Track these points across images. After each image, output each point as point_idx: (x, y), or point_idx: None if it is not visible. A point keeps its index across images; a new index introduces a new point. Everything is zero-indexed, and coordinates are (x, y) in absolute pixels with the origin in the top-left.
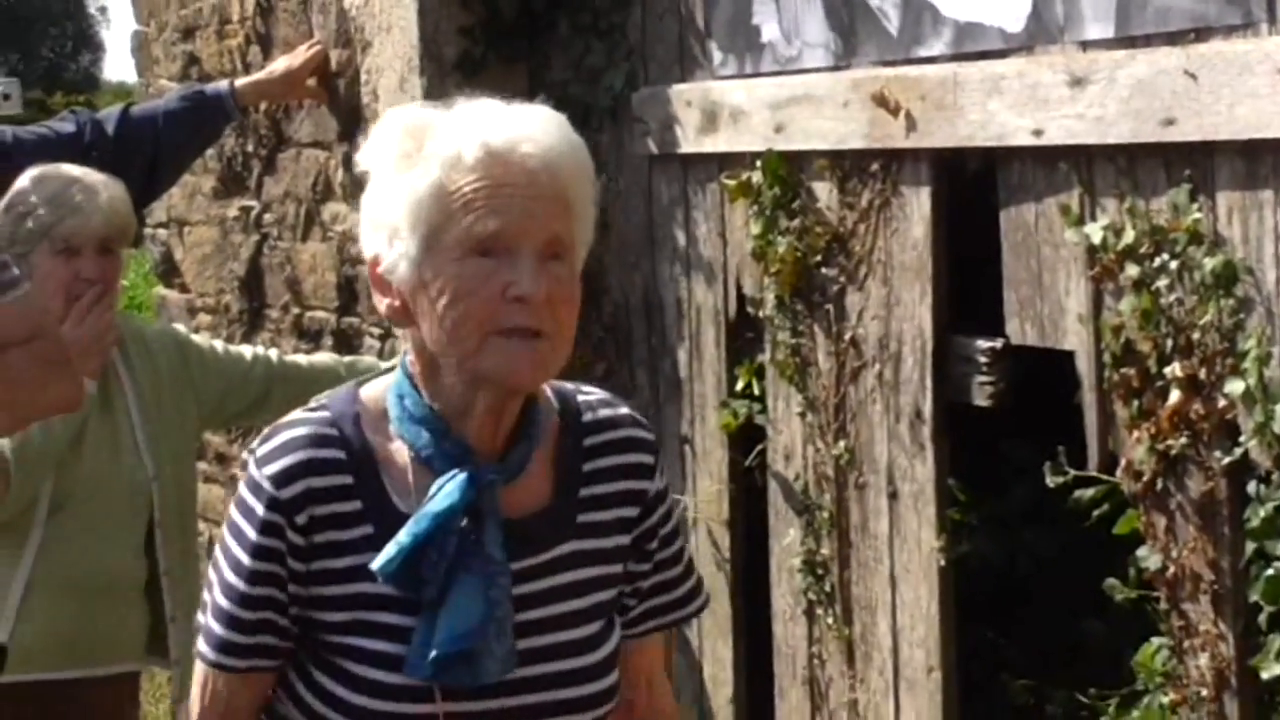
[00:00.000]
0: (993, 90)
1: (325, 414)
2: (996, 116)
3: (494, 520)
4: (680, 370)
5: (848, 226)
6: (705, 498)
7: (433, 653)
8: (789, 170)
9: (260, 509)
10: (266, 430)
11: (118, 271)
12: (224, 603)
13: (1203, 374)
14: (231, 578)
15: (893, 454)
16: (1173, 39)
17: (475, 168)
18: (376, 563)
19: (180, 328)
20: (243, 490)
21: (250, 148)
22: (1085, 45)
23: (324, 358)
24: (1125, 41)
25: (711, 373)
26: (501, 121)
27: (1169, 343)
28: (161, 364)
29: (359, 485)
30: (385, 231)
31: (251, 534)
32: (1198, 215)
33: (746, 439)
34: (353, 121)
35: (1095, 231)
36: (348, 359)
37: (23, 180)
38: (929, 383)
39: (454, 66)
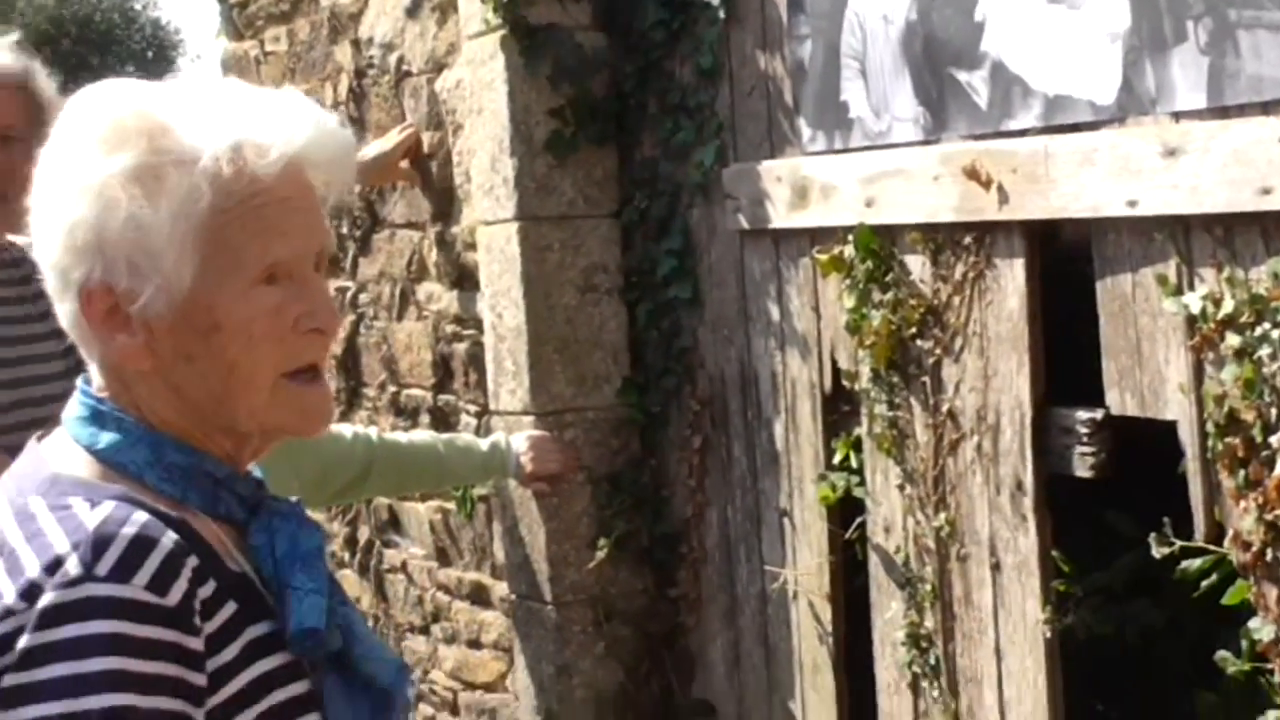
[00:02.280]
0: (1085, 162)
1: (111, 497)
2: (1089, 188)
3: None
4: (777, 444)
5: (942, 299)
6: (805, 571)
7: (378, 693)
8: (881, 244)
9: (148, 631)
10: (66, 549)
11: None
12: None
13: None
14: None
15: (994, 526)
16: (1266, 108)
17: (259, 182)
18: (309, 620)
19: None
20: (101, 628)
21: (345, 230)
22: (1178, 116)
23: (422, 435)
24: (1218, 111)
25: (809, 446)
26: (276, 118)
27: (1273, 412)
28: None
29: (204, 562)
30: (122, 258)
31: (138, 667)
32: None
33: (846, 512)
34: (446, 202)
35: (1194, 301)
36: (445, 436)
37: None
38: (1029, 454)
39: (544, 147)
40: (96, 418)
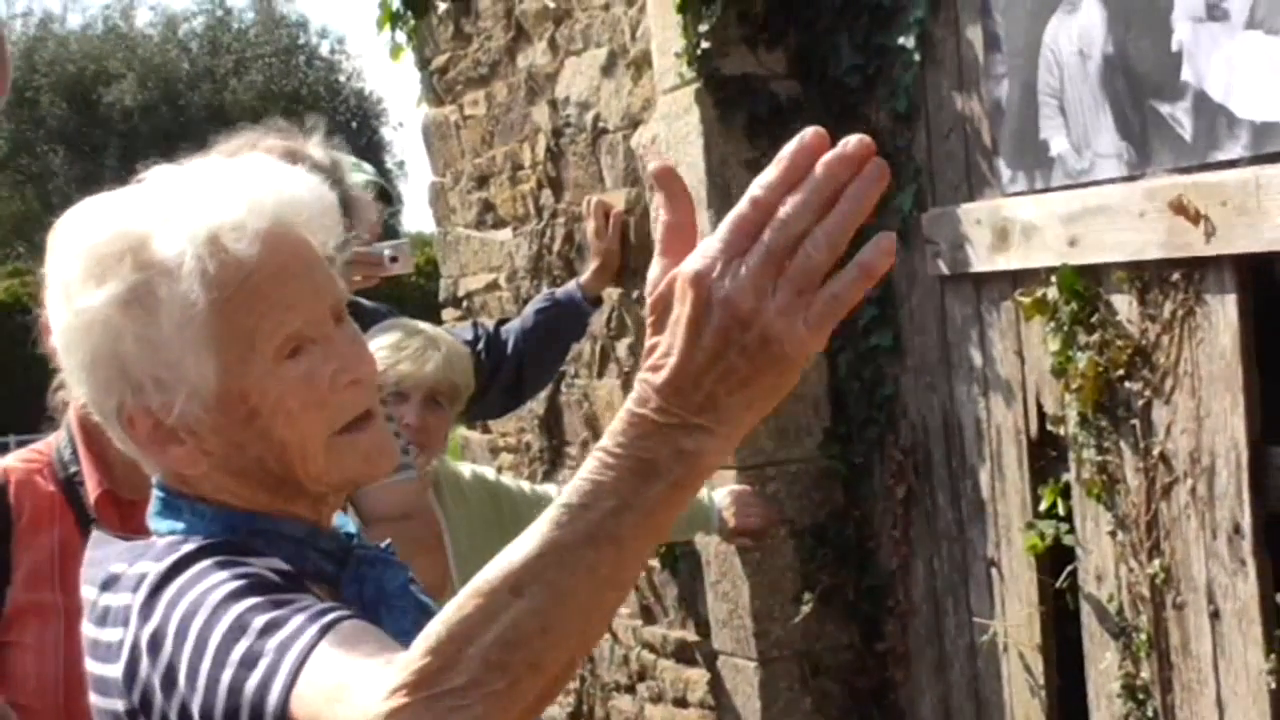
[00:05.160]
0: None
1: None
2: None
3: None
4: (983, 492)
5: (1150, 339)
6: (1015, 622)
7: None
8: (1085, 284)
9: (253, 564)
10: (146, 566)
11: (441, 426)
12: (271, 614)
13: None
14: (256, 601)
15: (1212, 571)
16: None
17: (246, 265)
18: None
19: (489, 470)
20: (220, 555)
21: (545, 289)
22: None
23: None
24: None
25: (1015, 493)
26: (245, 195)
27: None
28: (475, 508)
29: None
30: (146, 378)
31: (271, 577)
32: None
33: (1055, 560)
34: (642, 258)
35: None
36: None
37: (375, 327)
38: (1246, 496)
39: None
40: (170, 508)
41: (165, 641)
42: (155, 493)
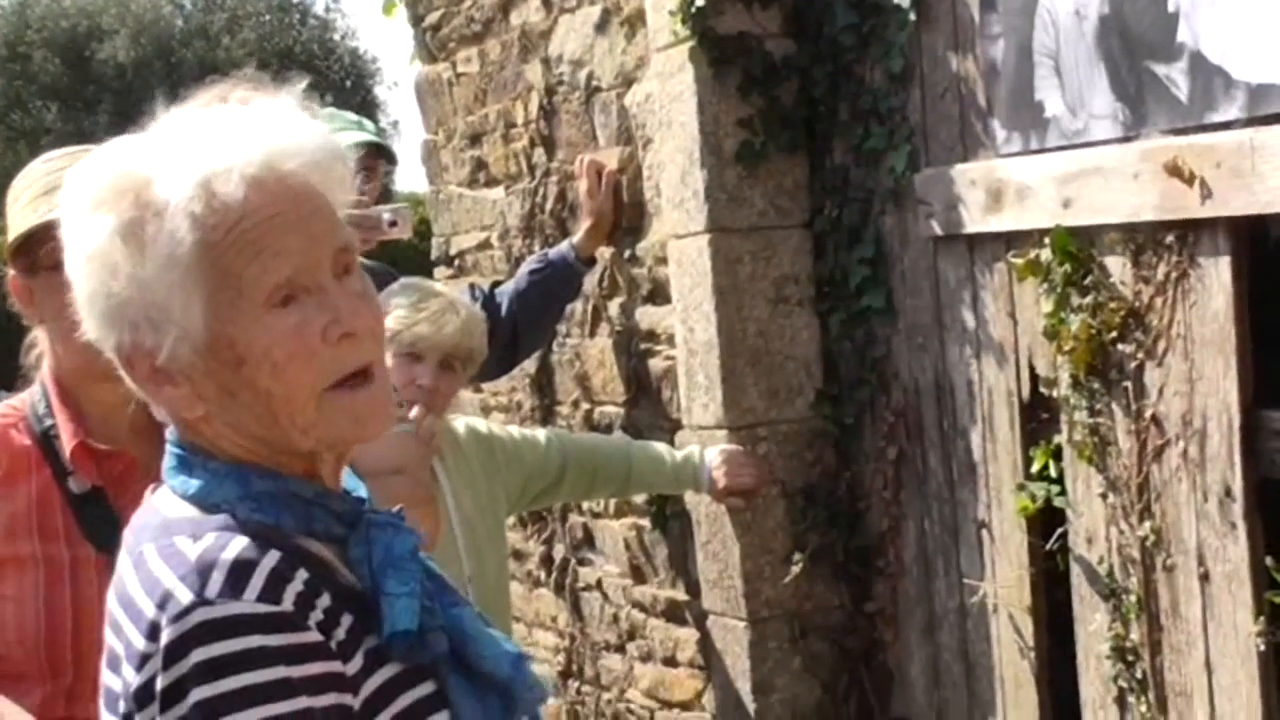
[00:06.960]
0: None
1: (213, 528)
2: None
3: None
4: (974, 454)
5: (1143, 301)
6: (1005, 584)
7: (512, 687)
8: (1079, 246)
9: (279, 640)
10: (174, 583)
11: (453, 388)
12: None
13: None
14: None
15: (1202, 534)
16: None
17: (235, 208)
18: (401, 623)
19: (480, 422)
20: (226, 648)
21: (537, 248)
22: None
23: (612, 438)
24: None
25: (1006, 455)
26: (237, 139)
27: None
28: (474, 463)
29: (314, 577)
30: (140, 317)
31: (294, 672)
32: None
33: (1046, 522)
34: (636, 217)
35: None
36: (639, 443)
37: (395, 285)
38: (1237, 459)
39: (734, 158)
40: (184, 464)
41: None
42: (169, 448)
